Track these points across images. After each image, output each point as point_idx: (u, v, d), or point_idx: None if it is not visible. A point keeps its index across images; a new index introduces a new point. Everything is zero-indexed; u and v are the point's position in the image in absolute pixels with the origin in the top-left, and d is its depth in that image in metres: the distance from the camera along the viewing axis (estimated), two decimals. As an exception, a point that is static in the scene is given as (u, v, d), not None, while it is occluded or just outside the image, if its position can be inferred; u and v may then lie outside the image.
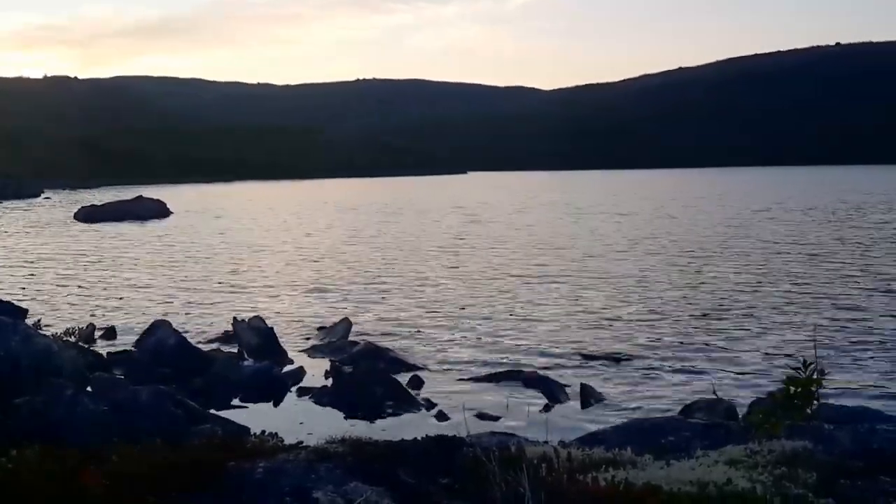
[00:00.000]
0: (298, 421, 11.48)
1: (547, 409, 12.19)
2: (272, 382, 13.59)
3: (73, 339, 15.63)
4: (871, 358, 14.89)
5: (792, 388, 6.66)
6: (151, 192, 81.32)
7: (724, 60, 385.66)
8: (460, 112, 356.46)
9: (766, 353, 15.31)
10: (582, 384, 12.93)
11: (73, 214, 60.48)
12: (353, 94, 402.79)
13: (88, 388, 11.60)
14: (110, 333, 17.63)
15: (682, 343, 16.35)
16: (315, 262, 31.79)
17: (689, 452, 5.67)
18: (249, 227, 51.28)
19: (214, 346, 16.25)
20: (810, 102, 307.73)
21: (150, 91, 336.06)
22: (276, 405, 12.82)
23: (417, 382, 13.50)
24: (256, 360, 14.85)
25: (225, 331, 17.24)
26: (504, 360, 15.09)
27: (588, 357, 15.29)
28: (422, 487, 4.94)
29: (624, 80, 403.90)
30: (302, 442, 5.81)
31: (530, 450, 5.63)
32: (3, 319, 12.69)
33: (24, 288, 25.25)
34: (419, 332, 17.89)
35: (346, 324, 17.25)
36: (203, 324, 19.03)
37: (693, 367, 14.50)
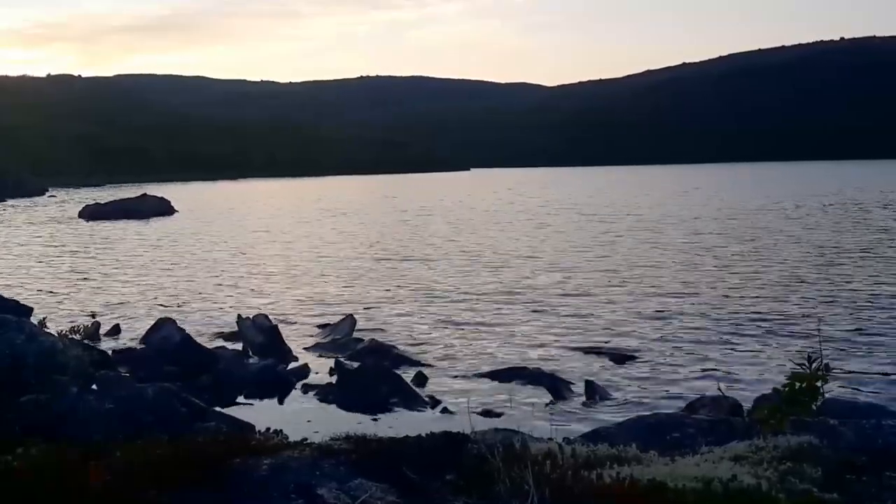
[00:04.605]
0: (303, 418, 11.50)
1: (551, 405, 12.17)
2: (277, 380, 13.61)
3: (77, 336, 15.67)
4: (877, 353, 14.86)
5: (797, 384, 6.66)
6: (155, 189, 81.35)
7: (727, 56, 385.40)
8: (462, 108, 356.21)
9: (771, 349, 15.28)
10: (586, 380, 12.92)
11: (77, 212, 60.51)
12: (355, 91, 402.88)
13: (94, 386, 11.62)
14: (115, 331, 17.65)
15: (686, 339, 16.32)
16: (319, 259, 31.80)
17: (694, 449, 5.67)
18: (253, 225, 51.30)
19: (219, 343, 16.25)
20: (815, 97, 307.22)
21: (153, 89, 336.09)
22: (280, 402, 12.84)
23: (422, 379, 13.52)
24: (261, 357, 14.86)
25: (230, 329, 17.25)
26: (508, 357, 15.08)
27: (592, 354, 15.27)
28: (426, 484, 4.94)
29: (627, 76, 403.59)
30: (307, 439, 5.81)
31: (535, 446, 5.62)
32: (7, 318, 12.68)
33: (29, 286, 25.28)
34: (423, 329, 17.88)
35: (350, 321, 17.23)
36: (208, 321, 19.03)
37: (697, 363, 14.48)
